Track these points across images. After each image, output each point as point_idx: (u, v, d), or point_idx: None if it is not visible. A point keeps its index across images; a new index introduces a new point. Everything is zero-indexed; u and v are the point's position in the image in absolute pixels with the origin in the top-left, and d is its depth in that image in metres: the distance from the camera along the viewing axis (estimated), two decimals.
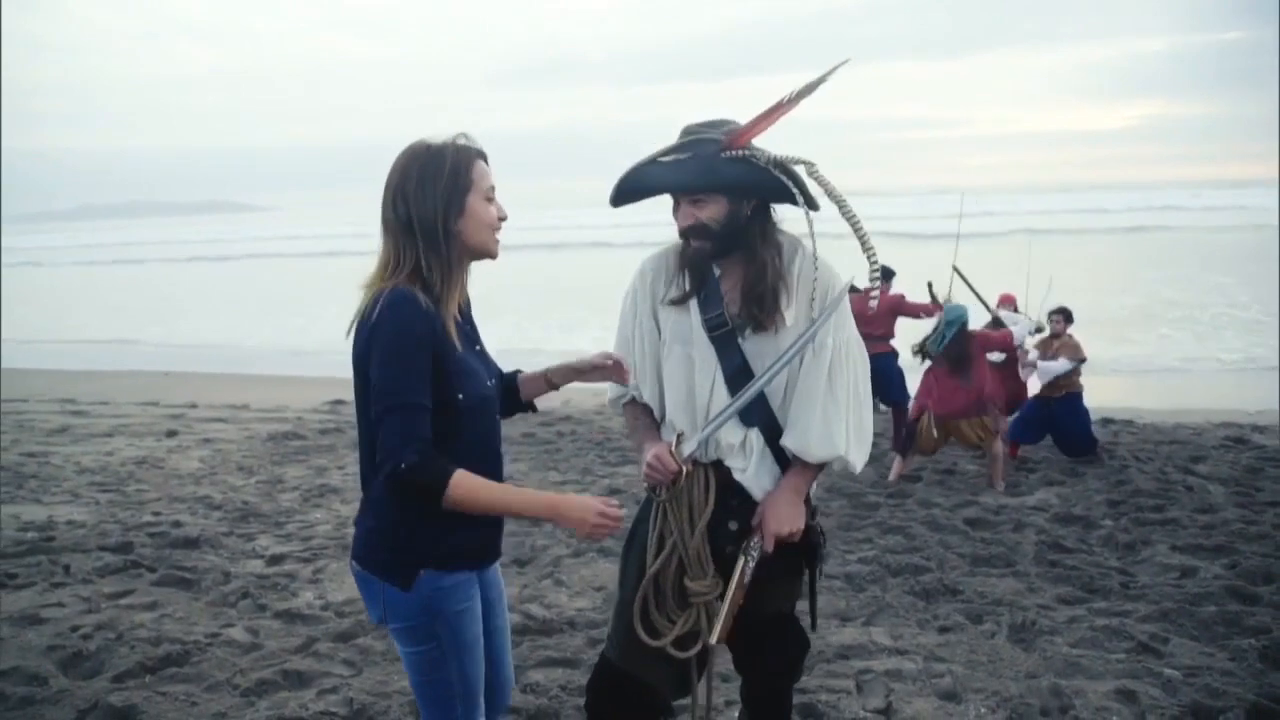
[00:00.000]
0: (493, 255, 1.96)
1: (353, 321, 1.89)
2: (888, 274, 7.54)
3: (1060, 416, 6.83)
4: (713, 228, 2.14)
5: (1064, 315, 7.01)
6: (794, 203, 2.14)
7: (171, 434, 8.06)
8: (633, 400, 2.33)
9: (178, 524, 5.35)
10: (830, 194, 2.11)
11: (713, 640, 2.16)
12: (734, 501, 2.25)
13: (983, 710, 3.17)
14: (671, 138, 2.20)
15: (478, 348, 2.02)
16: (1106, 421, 8.09)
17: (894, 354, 7.27)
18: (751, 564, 2.20)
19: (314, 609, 4.16)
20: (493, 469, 1.97)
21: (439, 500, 1.78)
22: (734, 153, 2.11)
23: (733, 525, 2.25)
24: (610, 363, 2.17)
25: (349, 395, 9.54)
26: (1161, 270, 21.62)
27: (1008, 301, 7.55)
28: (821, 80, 2.07)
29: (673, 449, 2.17)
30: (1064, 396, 6.82)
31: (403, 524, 1.88)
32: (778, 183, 2.10)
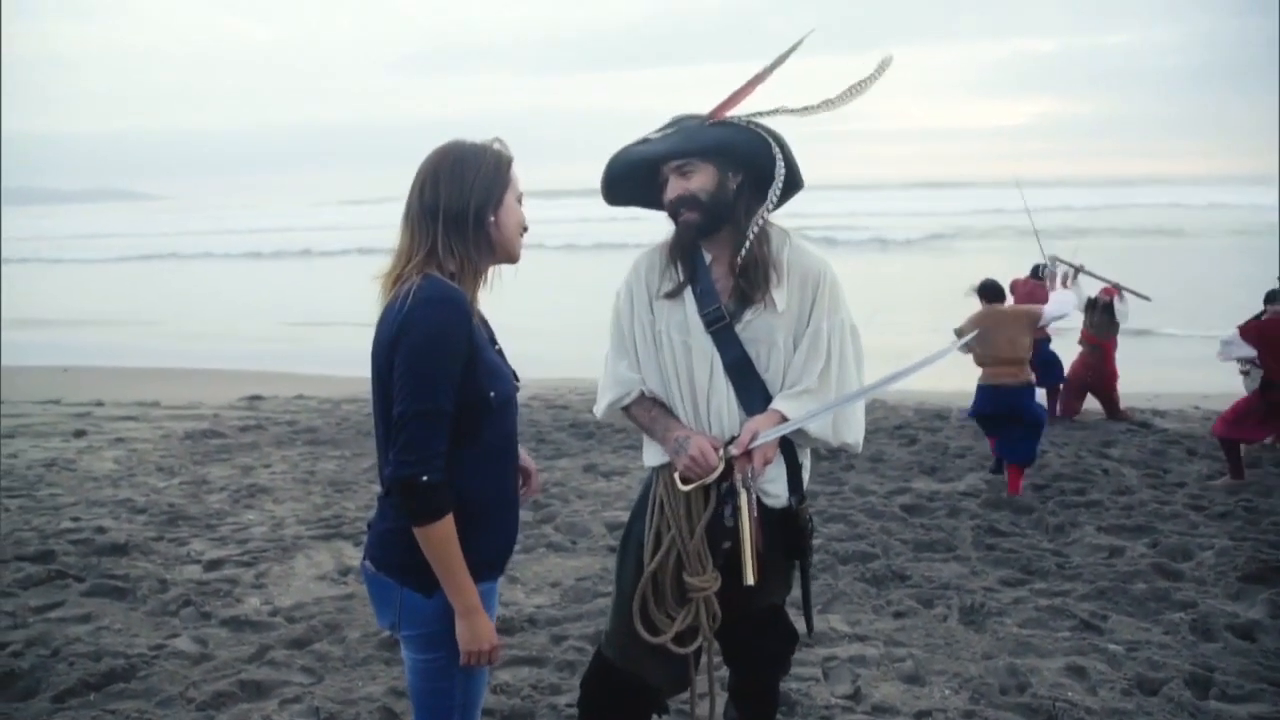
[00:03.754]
0: (516, 258, 1.95)
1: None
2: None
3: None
4: (701, 198, 2.18)
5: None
6: (772, 158, 2.18)
7: (79, 434, 7.62)
8: (640, 397, 2.31)
9: (101, 530, 5.07)
10: (811, 110, 2.20)
11: (750, 581, 2.16)
12: (726, 494, 2.25)
13: (946, 691, 3.28)
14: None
15: (497, 347, 1.98)
16: None
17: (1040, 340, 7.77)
18: (754, 496, 2.20)
19: (262, 615, 4.01)
20: (513, 467, 1.97)
21: (421, 522, 1.75)
22: (715, 122, 2.22)
23: (729, 522, 2.26)
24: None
25: (265, 390, 9.19)
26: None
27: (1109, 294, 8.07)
28: (788, 54, 2.22)
29: (719, 447, 2.17)
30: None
31: None
32: (757, 137, 2.18)
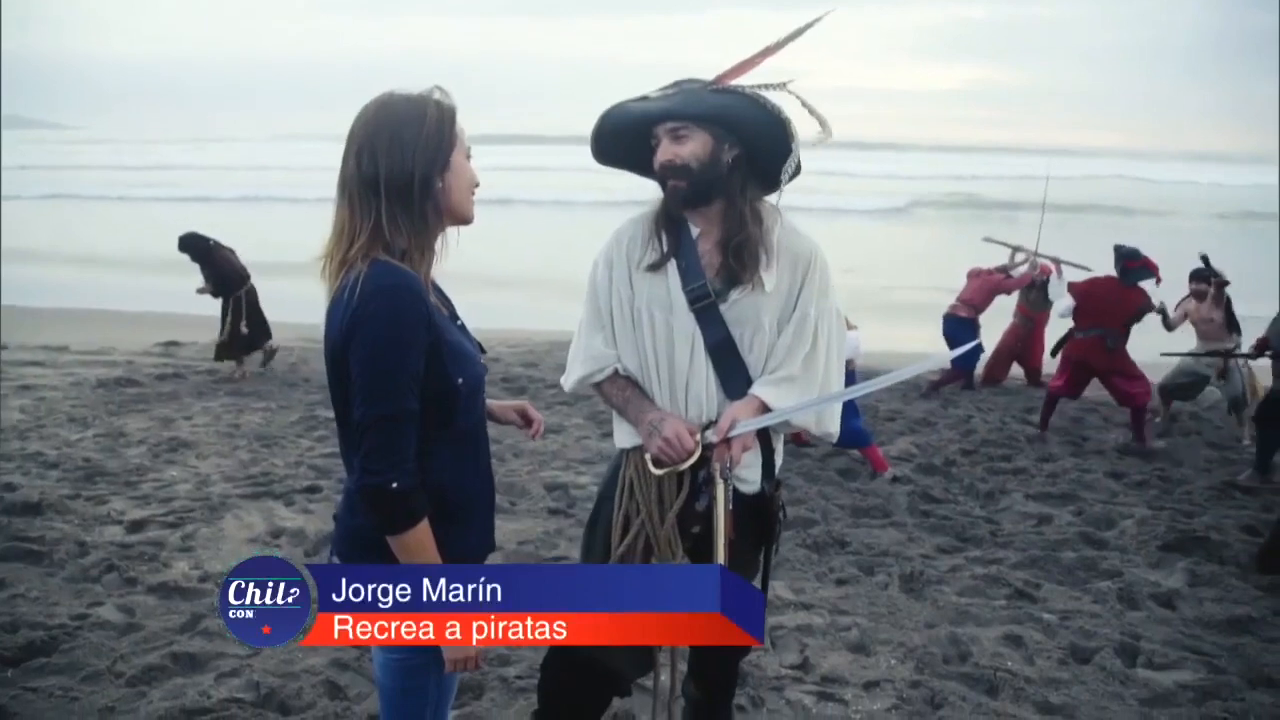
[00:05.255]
0: (469, 220, 1.79)
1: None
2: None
3: None
4: (692, 166, 2.09)
5: None
6: (777, 132, 2.10)
7: None
8: (614, 374, 2.24)
9: (10, 487, 4.78)
10: (807, 107, 2.14)
11: (721, 562, 2.12)
12: (702, 482, 2.22)
13: (892, 661, 3.35)
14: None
15: (459, 323, 1.85)
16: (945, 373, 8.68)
17: (968, 320, 8.06)
18: (731, 488, 2.16)
19: (192, 581, 3.85)
20: (485, 453, 1.88)
21: (394, 531, 1.66)
22: (719, 87, 2.13)
23: (699, 505, 2.23)
24: (522, 422, 2.10)
25: (182, 336, 8.73)
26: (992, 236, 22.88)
27: (1046, 272, 8.23)
28: (803, 30, 2.14)
29: (695, 432, 2.12)
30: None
31: None
32: (764, 110, 2.09)
